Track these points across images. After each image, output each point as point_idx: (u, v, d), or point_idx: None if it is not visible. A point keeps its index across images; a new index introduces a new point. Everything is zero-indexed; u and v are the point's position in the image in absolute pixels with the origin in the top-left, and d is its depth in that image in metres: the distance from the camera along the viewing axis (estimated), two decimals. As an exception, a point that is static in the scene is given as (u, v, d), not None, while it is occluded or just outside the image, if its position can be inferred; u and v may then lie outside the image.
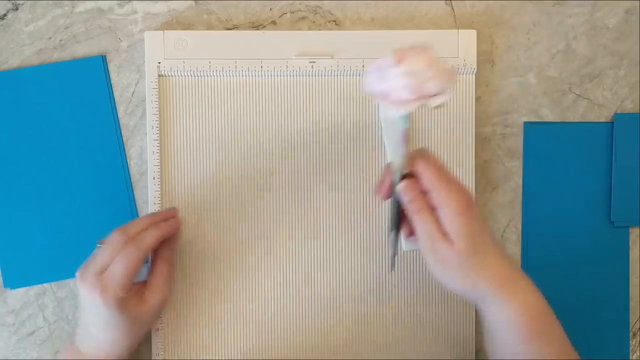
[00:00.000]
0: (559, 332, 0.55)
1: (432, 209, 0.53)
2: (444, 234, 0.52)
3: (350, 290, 0.65)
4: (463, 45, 0.65)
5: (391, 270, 0.64)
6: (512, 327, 0.53)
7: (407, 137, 0.52)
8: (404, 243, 0.58)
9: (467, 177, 0.66)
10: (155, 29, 0.66)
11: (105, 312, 0.55)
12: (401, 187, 0.53)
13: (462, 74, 0.66)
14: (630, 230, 0.67)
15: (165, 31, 0.64)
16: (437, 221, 0.52)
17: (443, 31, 0.65)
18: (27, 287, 0.65)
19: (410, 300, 0.65)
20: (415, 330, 0.65)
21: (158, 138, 0.64)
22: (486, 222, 0.55)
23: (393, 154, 0.54)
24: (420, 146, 0.65)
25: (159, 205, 0.64)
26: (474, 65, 0.65)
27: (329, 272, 0.65)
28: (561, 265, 0.67)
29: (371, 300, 0.65)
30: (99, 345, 0.57)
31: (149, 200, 0.64)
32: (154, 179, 0.64)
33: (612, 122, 0.67)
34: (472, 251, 0.52)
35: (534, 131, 0.67)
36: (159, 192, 0.64)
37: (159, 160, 0.64)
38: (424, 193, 0.53)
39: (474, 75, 0.66)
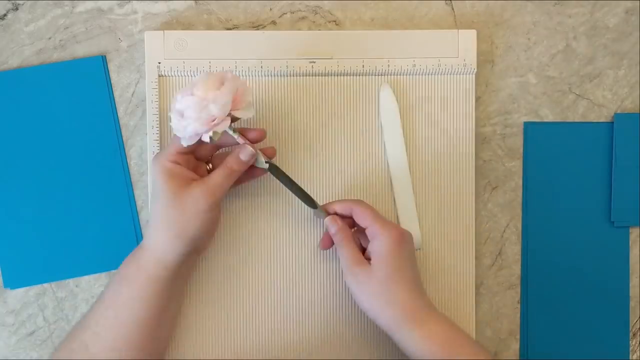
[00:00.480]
0: (482, 355, 0.57)
1: (355, 240, 0.60)
2: (363, 261, 0.58)
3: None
4: (463, 45, 0.65)
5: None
6: (421, 354, 0.56)
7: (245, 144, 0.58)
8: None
9: (468, 177, 0.66)
10: (155, 29, 0.66)
11: (154, 179, 0.57)
12: (327, 221, 0.60)
13: (462, 74, 0.66)
14: (630, 230, 0.67)
15: (165, 31, 0.64)
16: (358, 250, 0.60)
17: (443, 31, 0.65)
18: (27, 287, 0.65)
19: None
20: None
21: (158, 138, 0.64)
22: (414, 261, 0.59)
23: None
24: (419, 146, 0.65)
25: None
26: (474, 65, 0.65)
27: (329, 270, 0.65)
28: (561, 265, 0.67)
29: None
30: (154, 237, 0.57)
31: (149, 199, 0.64)
32: (155, 180, 0.64)
33: (612, 122, 0.67)
34: (385, 279, 0.57)
35: (534, 131, 0.67)
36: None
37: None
38: (350, 227, 0.61)
39: (474, 75, 0.66)
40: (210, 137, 0.55)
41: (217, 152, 0.61)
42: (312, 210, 0.61)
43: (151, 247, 0.57)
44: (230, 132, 0.57)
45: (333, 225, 0.60)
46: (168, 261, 0.57)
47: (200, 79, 0.55)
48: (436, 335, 0.57)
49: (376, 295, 0.57)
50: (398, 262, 0.58)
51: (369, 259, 0.59)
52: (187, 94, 0.55)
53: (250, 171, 0.60)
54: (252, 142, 0.59)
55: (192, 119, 0.54)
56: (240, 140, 0.58)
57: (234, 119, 0.57)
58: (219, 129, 0.55)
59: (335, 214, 0.61)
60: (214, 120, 0.55)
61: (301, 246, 0.65)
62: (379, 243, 0.58)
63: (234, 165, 0.58)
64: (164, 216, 0.57)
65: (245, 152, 0.58)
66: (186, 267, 0.60)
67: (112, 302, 0.57)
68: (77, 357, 0.56)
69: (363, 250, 0.60)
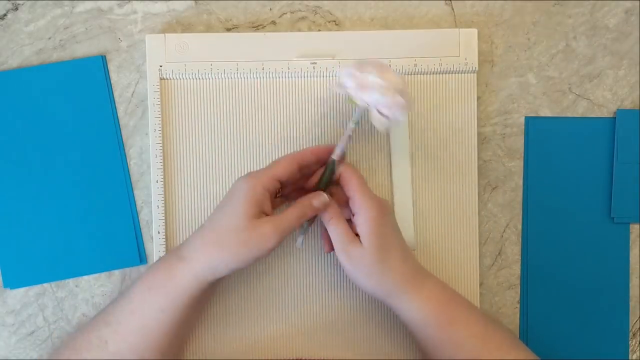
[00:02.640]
0: (475, 317, 0.59)
1: (344, 218, 0.59)
2: (354, 239, 0.57)
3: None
4: (464, 44, 0.65)
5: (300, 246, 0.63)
6: (421, 320, 0.58)
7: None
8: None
9: (470, 175, 0.66)
10: (155, 29, 0.66)
11: (234, 194, 0.56)
12: (317, 201, 0.58)
13: (464, 73, 0.66)
14: (631, 228, 0.67)
15: (166, 34, 0.64)
16: (348, 227, 0.58)
17: (444, 30, 0.66)
18: (27, 287, 0.65)
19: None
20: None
21: (161, 141, 0.64)
22: (398, 229, 0.59)
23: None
24: (422, 145, 0.65)
25: (163, 207, 0.64)
26: (475, 64, 0.65)
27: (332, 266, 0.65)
28: (561, 265, 0.67)
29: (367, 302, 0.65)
30: (200, 251, 0.56)
31: (152, 202, 0.64)
32: (157, 181, 0.64)
33: (614, 118, 0.67)
34: (379, 253, 0.57)
35: (536, 126, 0.67)
36: (162, 195, 0.64)
37: (162, 163, 0.64)
38: (341, 203, 0.59)
39: (475, 74, 0.66)
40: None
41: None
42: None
43: (192, 261, 0.56)
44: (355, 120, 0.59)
45: (318, 201, 0.58)
46: (206, 279, 0.56)
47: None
48: (432, 299, 0.58)
49: (371, 269, 0.57)
50: (385, 233, 0.57)
51: (356, 233, 0.58)
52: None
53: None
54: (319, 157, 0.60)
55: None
56: (349, 136, 0.59)
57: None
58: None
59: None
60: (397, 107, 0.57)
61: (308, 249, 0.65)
62: (364, 218, 0.57)
63: (307, 210, 0.57)
64: (224, 238, 0.55)
65: (319, 200, 0.58)
66: (215, 285, 0.60)
67: (138, 307, 0.56)
68: (96, 351, 0.56)
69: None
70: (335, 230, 0.58)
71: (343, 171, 0.59)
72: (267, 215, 0.57)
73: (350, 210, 0.59)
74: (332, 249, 0.60)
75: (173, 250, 0.58)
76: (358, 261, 0.57)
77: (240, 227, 0.55)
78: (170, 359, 0.59)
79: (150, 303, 0.56)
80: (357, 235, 0.58)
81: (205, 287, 0.56)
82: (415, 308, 0.58)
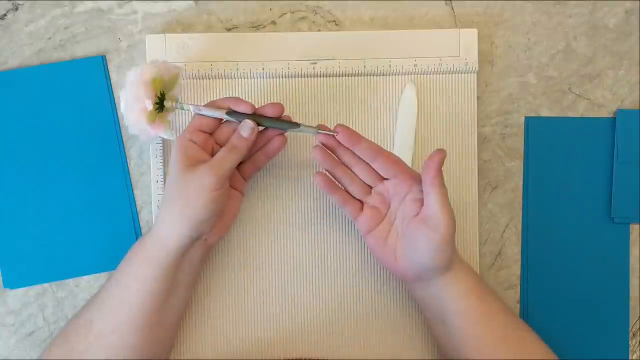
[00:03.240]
0: (496, 300, 0.60)
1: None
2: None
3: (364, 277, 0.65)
4: (464, 44, 0.65)
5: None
6: (447, 297, 0.58)
7: (199, 106, 0.58)
8: None
9: (470, 175, 0.66)
10: (155, 29, 0.66)
11: (172, 153, 0.57)
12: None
13: (464, 73, 0.66)
14: (631, 228, 0.67)
15: (166, 34, 0.64)
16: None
17: (444, 30, 0.66)
18: (27, 287, 0.65)
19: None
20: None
21: (161, 142, 0.64)
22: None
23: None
24: (422, 145, 0.66)
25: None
26: (476, 65, 0.65)
27: (342, 259, 0.65)
28: (561, 265, 0.67)
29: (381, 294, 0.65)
30: (160, 218, 0.57)
31: (152, 203, 0.64)
32: (157, 182, 0.64)
33: (614, 118, 0.67)
34: (453, 233, 0.56)
35: (536, 126, 0.67)
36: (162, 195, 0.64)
37: (162, 163, 0.64)
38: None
39: (475, 74, 0.66)
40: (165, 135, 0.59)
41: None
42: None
43: (156, 229, 0.57)
44: (190, 109, 0.58)
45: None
46: (170, 245, 0.56)
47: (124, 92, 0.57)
48: (462, 280, 0.58)
49: (447, 242, 0.57)
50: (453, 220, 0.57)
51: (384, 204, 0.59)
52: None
53: (264, 150, 0.60)
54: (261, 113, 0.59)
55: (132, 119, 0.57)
56: (199, 109, 0.58)
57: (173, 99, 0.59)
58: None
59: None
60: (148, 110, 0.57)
61: (303, 243, 0.65)
62: (440, 205, 0.56)
63: (234, 141, 0.58)
64: (169, 195, 0.57)
65: (245, 127, 0.58)
66: (192, 256, 0.59)
67: (117, 283, 0.58)
68: (83, 333, 0.57)
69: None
70: (438, 181, 0.56)
71: (380, 156, 0.58)
72: None
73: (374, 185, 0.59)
74: (324, 181, 0.59)
75: None
76: (439, 228, 0.56)
77: (179, 177, 0.56)
78: (155, 343, 0.58)
79: (127, 277, 0.57)
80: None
81: (174, 255, 0.56)
82: (441, 289, 0.58)
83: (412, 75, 0.65)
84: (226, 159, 0.57)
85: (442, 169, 0.56)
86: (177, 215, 0.56)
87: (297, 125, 0.59)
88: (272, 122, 0.59)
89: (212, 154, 0.58)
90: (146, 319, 0.57)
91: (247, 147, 0.58)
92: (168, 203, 0.57)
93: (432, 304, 0.59)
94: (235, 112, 0.58)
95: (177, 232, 0.56)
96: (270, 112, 0.58)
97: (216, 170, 0.56)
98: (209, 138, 0.59)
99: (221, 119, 0.58)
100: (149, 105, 0.56)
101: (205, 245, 0.59)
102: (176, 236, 0.56)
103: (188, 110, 0.58)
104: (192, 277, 0.61)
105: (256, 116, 0.58)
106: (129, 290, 0.57)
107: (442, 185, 0.56)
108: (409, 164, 0.65)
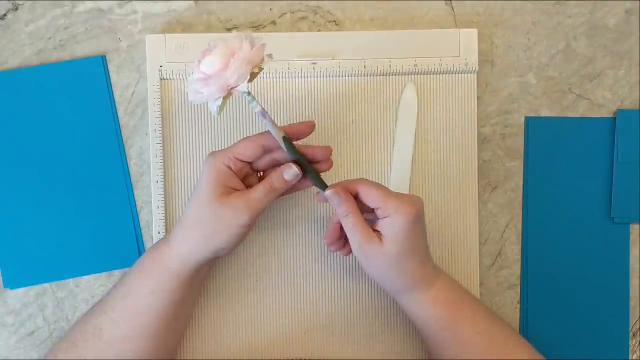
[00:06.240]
0: (482, 315, 0.59)
1: (360, 213, 0.57)
2: (373, 237, 0.56)
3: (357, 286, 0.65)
4: (464, 44, 0.65)
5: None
6: (427, 318, 0.58)
7: (266, 114, 0.55)
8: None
9: (470, 175, 0.66)
10: (155, 29, 0.66)
11: (201, 176, 0.56)
12: (329, 193, 0.57)
13: (464, 73, 0.66)
14: (631, 228, 0.67)
15: (166, 34, 0.64)
16: (365, 223, 0.56)
17: (444, 30, 0.66)
18: (27, 287, 0.65)
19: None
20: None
21: (161, 142, 0.64)
22: (424, 230, 0.58)
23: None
24: (422, 145, 0.66)
25: (163, 208, 0.64)
26: (476, 65, 0.65)
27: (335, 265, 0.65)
28: (561, 265, 0.67)
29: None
30: (182, 235, 0.57)
31: (152, 203, 0.64)
32: (157, 182, 0.64)
33: (614, 118, 0.67)
34: (398, 257, 0.56)
35: (536, 126, 0.67)
36: (162, 195, 0.64)
37: (162, 163, 0.64)
38: (353, 201, 0.57)
39: (475, 74, 0.66)
40: (218, 106, 0.54)
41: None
42: (320, 194, 0.58)
43: (177, 245, 0.57)
44: (248, 98, 0.55)
45: (335, 197, 0.56)
46: (191, 262, 0.56)
47: (212, 50, 0.54)
48: (439, 298, 0.58)
49: (386, 269, 0.57)
50: (412, 239, 0.56)
51: (377, 231, 0.57)
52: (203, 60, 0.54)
53: (292, 188, 0.59)
54: (291, 136, 0.57)
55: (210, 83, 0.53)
56: (264, 115, 0.55)
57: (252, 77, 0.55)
58: (241, 90, 0.53)
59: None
60: (229, 87, 0.53)
61: (303, 243, 0.65)
62: (390, 220, 0.56)
63: (275, 183, 0.57)
64: (198, 218, 0.56)
65: (289, 172, 0.57)
66: (205, 269, 0.60)
67: (130, 291, 0.57)
68: (91, 340, 0.57)
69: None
70: (354, 226, 0.56)
71: (360, 186, 0.57)
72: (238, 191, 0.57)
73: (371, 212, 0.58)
74: (334, 245, 0.60)
75: (165, 236, 0.60)
76: (375, 260, 0.56)
77: (211, 204, 0.55)
78: (164, 350, 0.59)
79: (141, 286, 0.57)
80: (376, 231, 0.57)
81: (193, 269, 0.57)
82: (422, 307, 0.58)
83: (412, 75, 0.65)
84: (263, 199, 0.56)
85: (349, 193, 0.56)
86: (201, 239, 0.56)
87: (324, 187, 0.57)
88: (312, 174, 0.58)
89: (243, 178, 0.58)
90: (159, 328, 0.57)
91: (285, 190, 0.58)
92: (193, 225, 0.56)
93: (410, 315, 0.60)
94: (290, 142, 0.56)
95: (200, 254, 0.56)
96: (319, 155, 0.58)
97: (251, 211, 0.55)
98: (245, 165, 0.58)
99: (262, 150, 0.57)
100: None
101: (215, 259, 0.60)
102: (198, 257, 0.56)
103: (254, 108, 0.55)
104: (200, 285, 0.62)
105: (301, 159, 0.57)
106: (144, 301, 0.57)
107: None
108: (409, 164, 0.65)
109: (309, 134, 0.58)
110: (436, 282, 0.58)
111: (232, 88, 0.53)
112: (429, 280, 0.58)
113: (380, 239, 0.56)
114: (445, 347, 0.58)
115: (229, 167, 0.56)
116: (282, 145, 0.56)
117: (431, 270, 0.59)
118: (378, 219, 0.57)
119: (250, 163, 0.58)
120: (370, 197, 0.56)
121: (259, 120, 0.65)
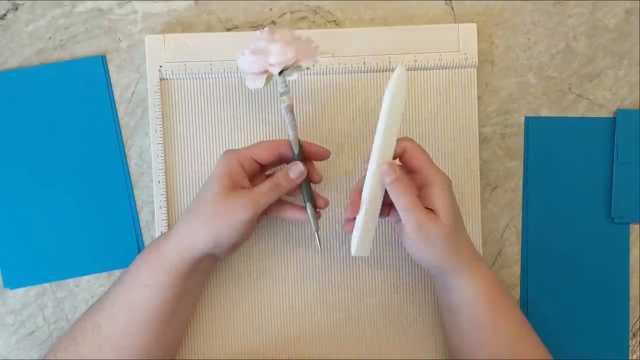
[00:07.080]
0: (512, 302, 0.60)
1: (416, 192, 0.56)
2: (429, 213, 0.55)
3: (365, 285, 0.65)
4: (463, 39, 0.65)
5: (320, 250, 0.63)
6: (478, 298, 0.57)
7: (291, 109, 0.58)
8: (353, 248, 0.58)
9: (472, 173, 0.66)
10: (155, 29, 0.66)
11: (213, 171, 0.57)
12: (384, 168, 0.55)
13: (464, 68, 0.66)
14: (631, 228, 0.67)
15: (165, 34, 0.64)
16: (419, 200, 0.56)
17: (443, 26, 0.66)
18: (27, 287, 0.65)
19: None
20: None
21: (162, 142, 0.64)
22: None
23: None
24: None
25: (165, 208, 0.64)
26: (476, 59, 0.65)
27: (338, 269, 0.65)
28: (561, 265, 0.67)
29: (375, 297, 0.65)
30: (184, 227, 0.57)
31: (155, 203, 0.64)
32: (159, 182, 0.64)
33: (614, 118, 0.67)
34: (455, 227, 0.56)
35: (536, 126, 0.67)
36: (165, 196, 0.64)
37: (163, 164, 0.64)
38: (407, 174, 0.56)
39: (475, 69, 0.66)
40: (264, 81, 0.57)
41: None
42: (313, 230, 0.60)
43: (178, 237, 0.57)
44: (280, 80, 0.58)
45: (389, 174, 0.55)
46: (190, 255, 0.57)
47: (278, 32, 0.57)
48: (489, 279, 0.58)
49: (445, 244, 0.56)
50: (457, 209, 0.57)
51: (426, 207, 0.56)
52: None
53: (287, 209, 0.60)
54: (308, 157, 0.59)
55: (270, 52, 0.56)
56: (292, 122, 0.58)
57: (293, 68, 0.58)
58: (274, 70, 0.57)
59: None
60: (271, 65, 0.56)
61: (303, 245, 0.65)
62: (440, 189, 0.55)
63: (281, 181, 0.57)
64: (200, 211, 0.57)
65: (295, 170, 0.57)
66: (204, 266, 0.59)
67: (129, 286, 0.58)
68: (90, 336, 0.57)
69: None
70: (411, 203, 0.55)
71: (408, 145, 0.56)
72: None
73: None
74: (352, 226, 0.58)
75: (166, 232, 0.60)
76: (433, 238, 0.55)
77: (215, 198, 0.56)
78: (163, 347, 0.59)
79: (139, 281, 0.57)
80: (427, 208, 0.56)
81: (191, 262, 0.57)
82: (473, 286, 0.57)
83: (412, 71, 0.65)
84: (267, 195, 0.57)
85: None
86: (202, 233, 0.56)
87: (311, 200, 0.59)
88: (308, 195, 0.59)
89: (251, 178, 0.58)
90: (157, 323, 0.57)
91: (290, 189, 0.58)
92: (196, 218, 0.57)
93: (441, 295, 0.60)
94: (301, 148, 0.58)
95: (197, 246, 0.56)
96: (319, 156, 0.60)
97: (255, 206, 0.56)
98: (259, 168, 0.59)
99: (278, 156, 0.58)
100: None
101: (215, 258, 0.60)
102: (199, 250, 0.57)
103: (282, 101, 0.58)
104: (200, 284, 0.62)
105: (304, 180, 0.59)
106: (142, 295, 0.57)
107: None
108: (393, 144, 0.58)
109: (320, 160, 0.60)
110: (481, 265, 0.58)
111: (271, 66, 0.56)
112: (477, 258, 0.58)
113: (435, 214, 0.55)
114: (478, 331, 0.57)
115: (242, 166, 0.57)
116: (293, 146, 0.58)
117: (477, 253, 0.59)
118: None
119: (263, 166, 0.59)
120: (415, 160, 0.56)
121: (260, 123, 0.65)
